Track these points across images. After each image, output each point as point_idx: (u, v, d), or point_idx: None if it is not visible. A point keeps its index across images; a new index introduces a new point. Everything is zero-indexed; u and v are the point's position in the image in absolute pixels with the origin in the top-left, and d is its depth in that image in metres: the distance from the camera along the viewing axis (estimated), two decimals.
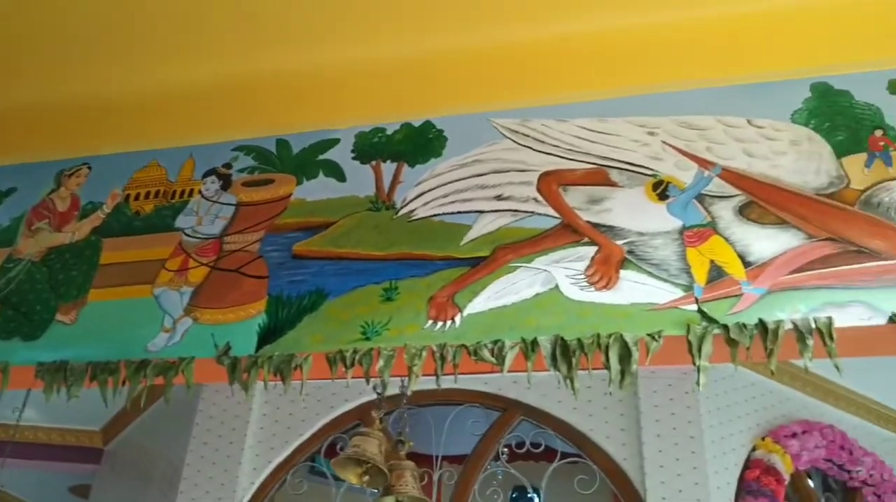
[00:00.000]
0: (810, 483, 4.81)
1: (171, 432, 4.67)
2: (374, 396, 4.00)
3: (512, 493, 4.32)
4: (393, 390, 4.55)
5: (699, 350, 2.06)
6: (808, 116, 2.45)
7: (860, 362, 3.58)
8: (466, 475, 4.29)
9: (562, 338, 2.17)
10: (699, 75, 2.57)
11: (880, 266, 2.14)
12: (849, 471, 4.73)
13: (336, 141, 2.80)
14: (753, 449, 4.28)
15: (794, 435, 4.45)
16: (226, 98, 2.88)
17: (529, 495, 4.76)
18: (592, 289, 2.26)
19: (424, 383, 4.61)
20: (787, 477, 4.26)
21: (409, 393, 3.81)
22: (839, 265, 2.16)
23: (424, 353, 2.23)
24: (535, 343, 2.18)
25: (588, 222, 2.40)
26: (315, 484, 4.42)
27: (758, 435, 4.37)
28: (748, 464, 4.22)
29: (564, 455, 4.28)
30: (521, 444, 4.27)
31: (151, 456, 4.86)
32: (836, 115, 2.43)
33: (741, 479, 4.15)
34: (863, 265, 2.15)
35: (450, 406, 4.54)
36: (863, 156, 2.34)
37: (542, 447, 4.33)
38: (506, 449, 4.27)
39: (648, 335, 2.13)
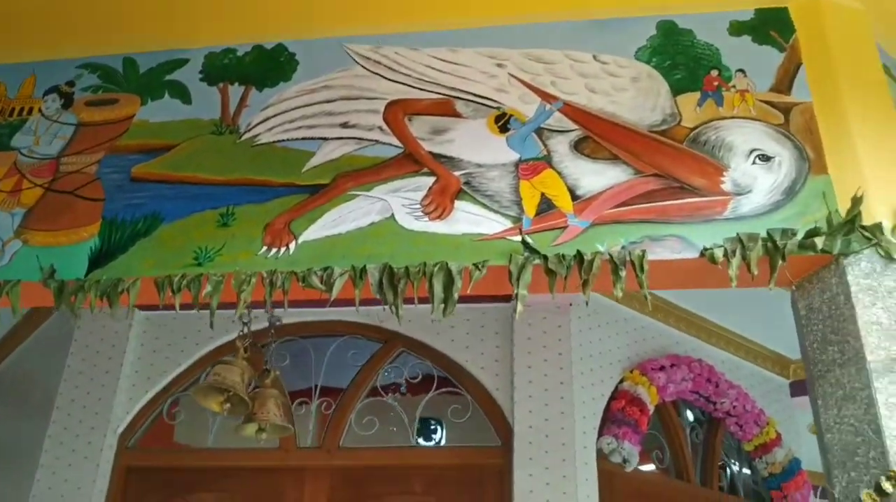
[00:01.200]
0: (689, 415, 5.03)
1: (48, 360, 4.58)
2: (266, 326, 4.03)
3: (417, 424, 4.39)
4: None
5: (518, 279, 2.10)
6: (650, 54, 2.48)
7: (729, 297, 3.74)
8: (343, 405, 4.34)
9: (389, 266, 2.18)
10: (551, 8, 2.56)
11: (698, 202, 2.21)
12: (714, 403, 4.95)
13: (185, 61, 2.71)
14: (622, 380, 4.44)
15: (661, 368, 4.62)
16: (72, 13, 2.74)
17: (433, 426, 4.85)
18: (426, 219, 2.28)
19: (305, 314, 4.64)
20: (651, 408, 4.44)
21: (277, 323, 3.83)
22: (661, 200, 2.22)
23: (254, 280, 2.22)
24: (363, 271, 2.19)
25: (430, 152, 2.40)
26: (193, 414, 4.41)
27: (628, 367, 4.53)
28: (615, 395, 4.38)
29: (441, 383, 4.38)
30: (414, 376, 4.37)
31: (29, 383, 4.76)
32: (677, 54, 2.47)
33: (607, 409, 4.30)
34: (682, 201, 2.21)
35: (332, 337, 4.58)
36: (697, 95, 2.39)
37: (420, 377, 4.43)
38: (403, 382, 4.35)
39: (473, 265, 2.16)
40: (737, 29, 2.47)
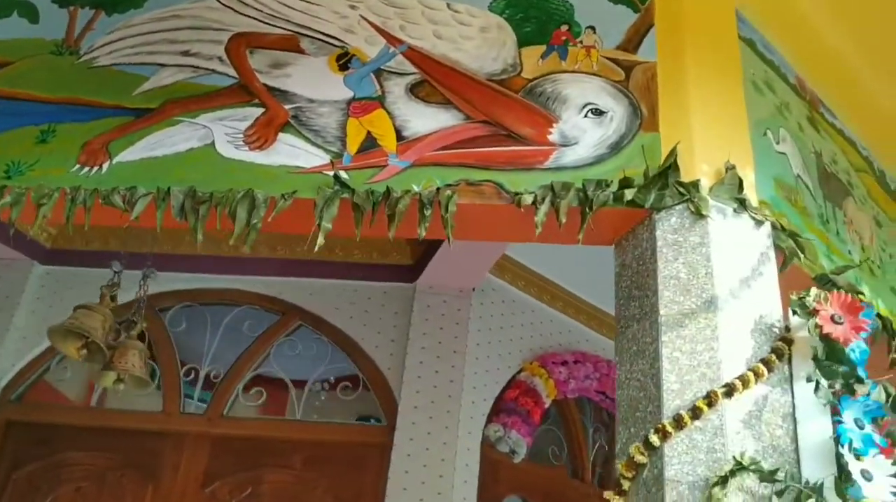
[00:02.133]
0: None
1: None
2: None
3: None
4: (173, 285, 4.49)
5: (322, 212, 2.03)
6: (505, 6, 2.42)
7: None
8: (231, 374, 4.25)
9: (194, 190, 2.10)
10: None
11: (521, 150, 2.14)
12: None
13: None
14: (521, 370, 4.35)
15: (563, 362, 4.52)
16: None
17: None
18: (247, 148, 2.20)
19: (206, 281, 4.54)
20: (546, 401, 4.34)
21: (152, 275, 3.74)
22: (484, 147, 2.15)
23: (56, 195, 2.14)
24: (168, 193, 2.11)
25: (264, 84, 2.33)
26: (81, 373, 4.30)
27: (529, 359, 4.44)
28: (510, 384, 4.29)
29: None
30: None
31: None
32: (530, 7, 2.41)
33: (501, 398, 4.21)
34: (506, 148, 2.14)
35: (231, 306, 4.49)
36: (542, 48, 2.33)
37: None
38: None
39: (281, 195, 2.08)
40: None
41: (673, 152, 2.02)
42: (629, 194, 1.97)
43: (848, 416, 1.63)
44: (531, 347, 4.52)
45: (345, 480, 3.98)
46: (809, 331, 1.74)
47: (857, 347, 1.75)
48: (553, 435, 4.72)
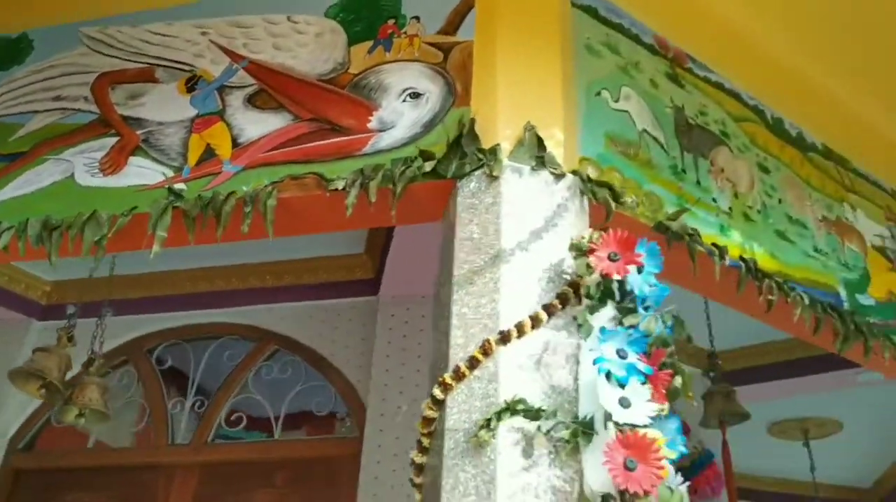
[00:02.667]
0: None
1: None
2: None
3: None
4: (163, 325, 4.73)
5: (156, 223, 2.17)
6: (338, 10, 2.54)
7: None
8: (213, 403, 4.43)
9: (47, 219, 2.28)
10: None
11: (342, 141, 2.24)
12: None
13: None
14: None
15: None
16: None
17: None
18: (101, 174, 2.38)
19: (189, 318, 4.74)
20: None
21: (107, 314, 3.95)
22: (308, 142, 2.26)
23: None
24: (27, 224, 2.29)
25: (121, 115, 2.51)
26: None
27: None
28: None
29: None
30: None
31: None
32: (362, 8, 2.52)
33: None
34: (328, 141, 2.25)
35: (212, 339, 4.70)
36: (370, 43, 2.44)
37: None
38: None
39: (122, 213, 2.24)
40: None
41: (470, 121, 2.09)
42: (428, 166, 2.05)
43: (609, 347, 1.65)
44: None
45: (324, 494, 4.09)
46: (582, 272, 1.77)
47: (633, 280, 1.77)
48: None
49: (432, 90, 2.26)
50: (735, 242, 2.48)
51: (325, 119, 2.30)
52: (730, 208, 2.57)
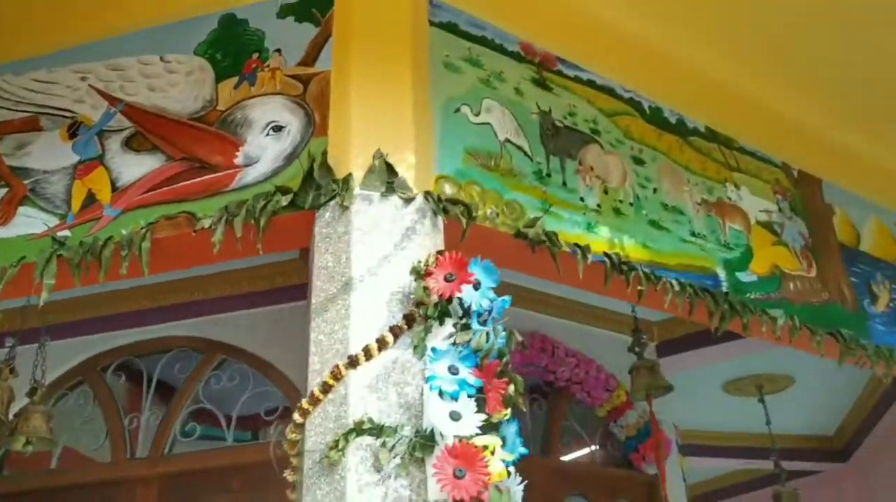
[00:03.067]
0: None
1: None
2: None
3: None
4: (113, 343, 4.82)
5: (43, 271, 2.29)
6: (207, 47, 2.65)
7: None
8: (167, 416, 4.57)
9: None
10: (131, 20, 2.76)
11: (210, 178, 2.36)
12: (553, 372, 4.97)
13: None
14: None
15: None
16: None
17: None
18: None
19: (139, 334, 4.84)
20: None
21: (46, 342, 4.06)
22: (180, 182, 2.38)
23: None
24: None
25: (10, 166, 2.62)
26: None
27: None
28: None
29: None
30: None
31: None
32: (229, 44, 2.63)
33: None
34: (198, 179, 2.37)
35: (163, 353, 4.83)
36: (236, 79, 2.55)
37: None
38: None
39: (10, 264, 2.36)
40: (285, 11, 2.62)
41: (322, 153, 2.21)
42: (285, 200, 2.17)
43: (440, 365, 1.80)
44: None
45: (278, 497, 4.24)
46: (420, 294, 1.91)
47: (470, 297, 1.90)
48: None
49: (293, 122, 2.38)
50: (603, 238, 2.62)
51: (196, 157, 2.41)
52: (598, 205, 2.70)
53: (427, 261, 1.95)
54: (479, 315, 1.92)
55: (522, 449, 1.82)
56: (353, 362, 1.90)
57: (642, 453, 5.19)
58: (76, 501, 4.50)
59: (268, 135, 2.39)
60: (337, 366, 1.90)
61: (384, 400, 1.88)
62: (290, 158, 2.32)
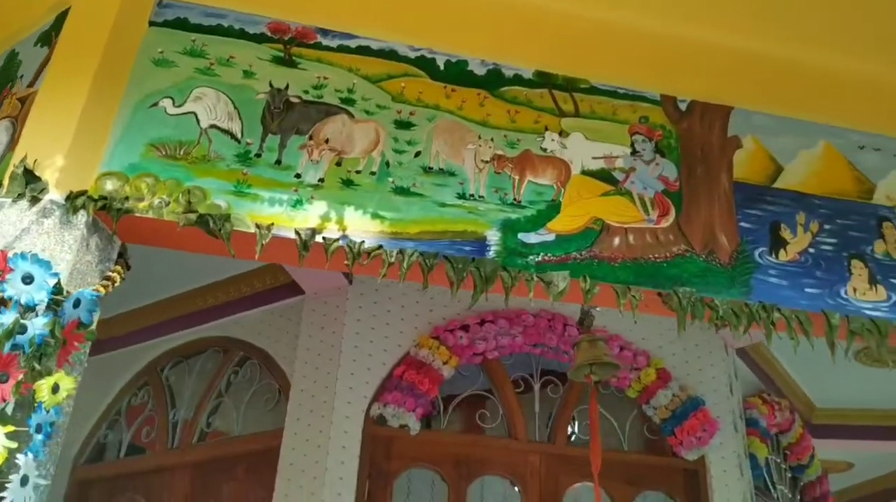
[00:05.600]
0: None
1: None
2: None
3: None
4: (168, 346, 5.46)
5: None
6: None
7: None
8: (198, 408, 5.06)
9: None
10: None
11: None
12: (567, 352, 4.68)
13: None
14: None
15: (464, 327, 4.57)
16: None
17: None
18: None
19: (184, 337, 5.43)
20: (442, 370, 4.44)
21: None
22: None
23: None
24: None
25: None
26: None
27: (426, 332, 4.58)
28: (401, 362, 4.48)
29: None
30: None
31: None
32: (3, 78, 2.91)
33: (391, 377, 4.43)
34: None
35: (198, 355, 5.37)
36: None
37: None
38: None
39: None
40: (40, 39, 2.84)
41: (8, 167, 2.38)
42: None
43: None
44: (429, 321, 4.64)
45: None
46: None
47: (13, 289, 1.99)
48: (483, 398, 4.73)
49: (3, 142, 2.60)
50: (312, 214, 2.49)
51: None
52: (321, 180, 2.57)
53: None
54: (32, 307, 1.99)
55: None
56: None
57: (679, 438, 4.65)
58: (142, 484, 5.15)
59: None
60: None
61: None
62: None
